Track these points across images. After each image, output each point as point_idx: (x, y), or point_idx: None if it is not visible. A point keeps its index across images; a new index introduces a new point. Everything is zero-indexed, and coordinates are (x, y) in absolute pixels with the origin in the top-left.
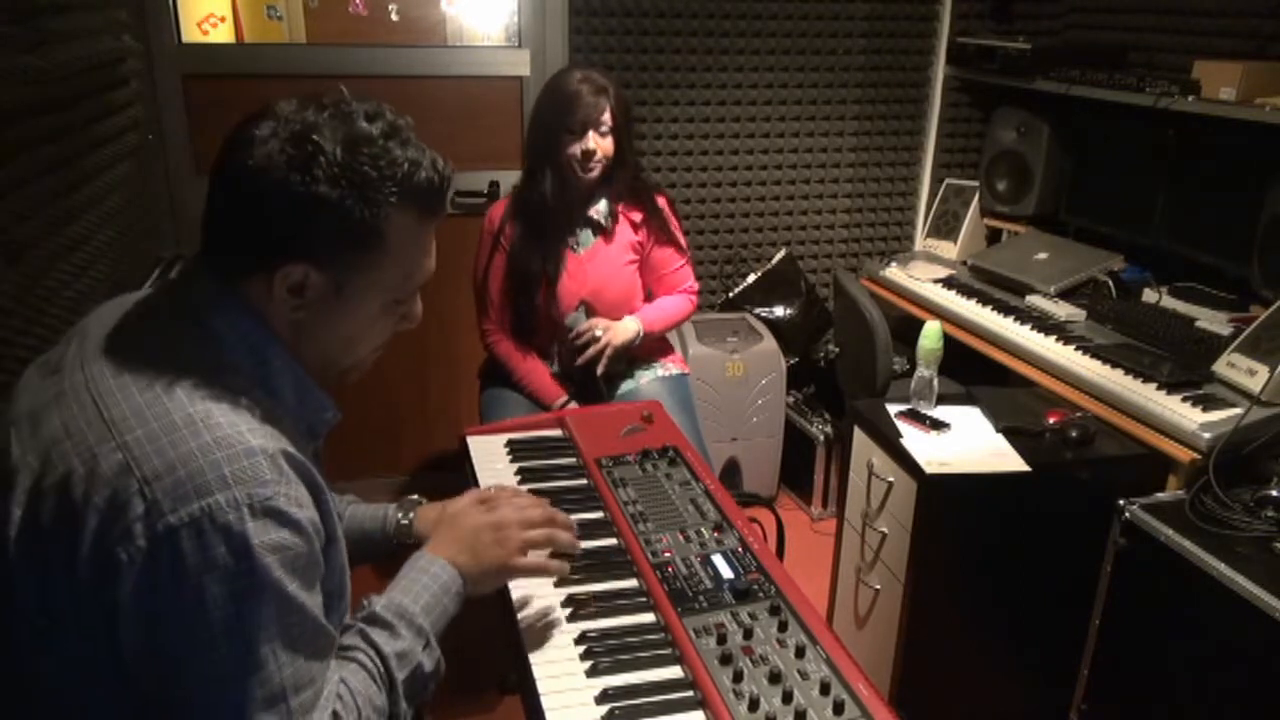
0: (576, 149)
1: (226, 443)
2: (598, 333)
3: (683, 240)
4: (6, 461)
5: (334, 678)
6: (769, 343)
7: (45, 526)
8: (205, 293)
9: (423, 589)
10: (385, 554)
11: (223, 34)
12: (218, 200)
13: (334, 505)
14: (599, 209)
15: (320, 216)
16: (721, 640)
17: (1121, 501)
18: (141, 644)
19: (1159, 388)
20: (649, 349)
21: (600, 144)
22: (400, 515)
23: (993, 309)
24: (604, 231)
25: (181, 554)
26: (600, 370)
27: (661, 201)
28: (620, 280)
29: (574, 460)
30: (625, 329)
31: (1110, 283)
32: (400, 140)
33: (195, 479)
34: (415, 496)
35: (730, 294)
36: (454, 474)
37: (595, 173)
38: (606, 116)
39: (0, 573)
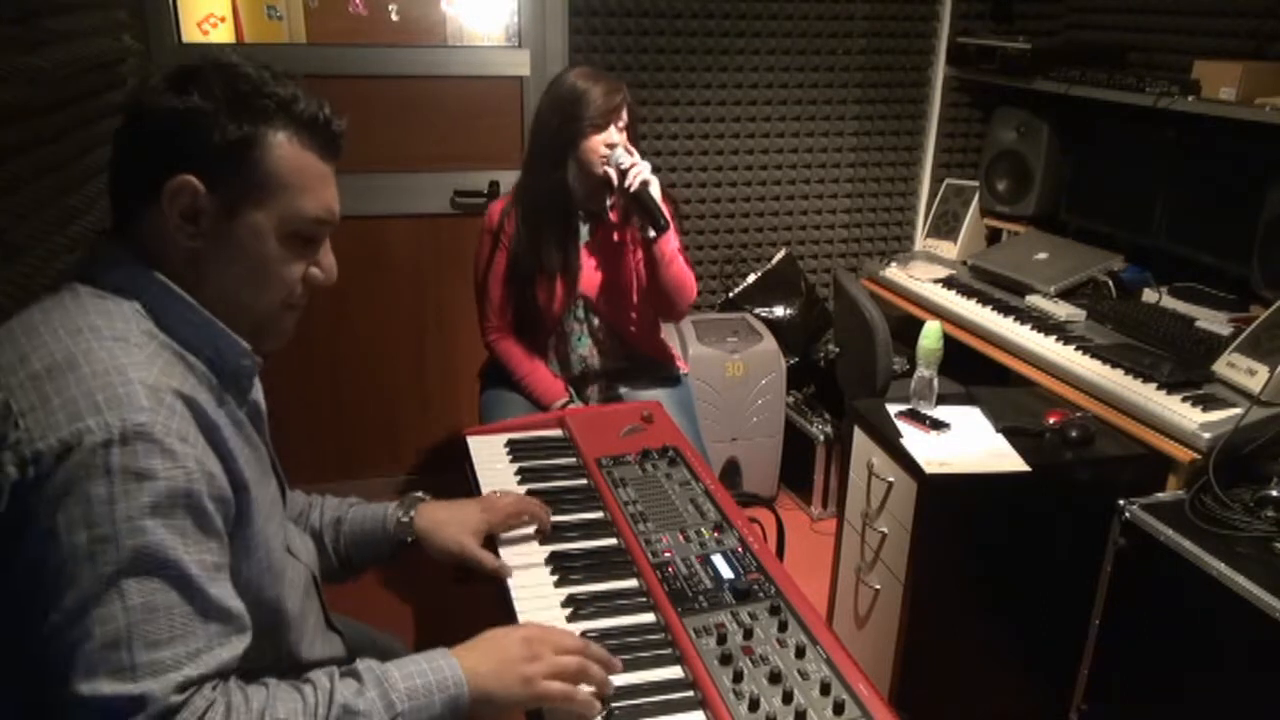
0: (599, 141)
1: (104, 373)
2: (636, 159)
3: (677, 234)
4: None
5: (229, 659)
6: (769, 343)
7: None
8: (98, 250)
9: (417, 672)
10: (387, 554)
11: (223, 34)
12: (115, 146)
13: (248, 471)
14: (610, 171)
15: (196, 125)
16: (721, 640)
17: (1121, 501)
18: (5, 577)
19: (1159, 388)
20: (653, 351)
21: (620, 138)
22: (401, 512)
23: (993, 309)
24: (602, 222)
25: (44, 478)
26: (632, 187)
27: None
28: (621, 269)
29: (574, 460)
30: (655, 180)
31: (1110, 283)
32: (283, 81)
33: (67, 407)
34: (419, 493)
35: (730, 294)
36: (454, 474)
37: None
38: (625, 112)
39: None
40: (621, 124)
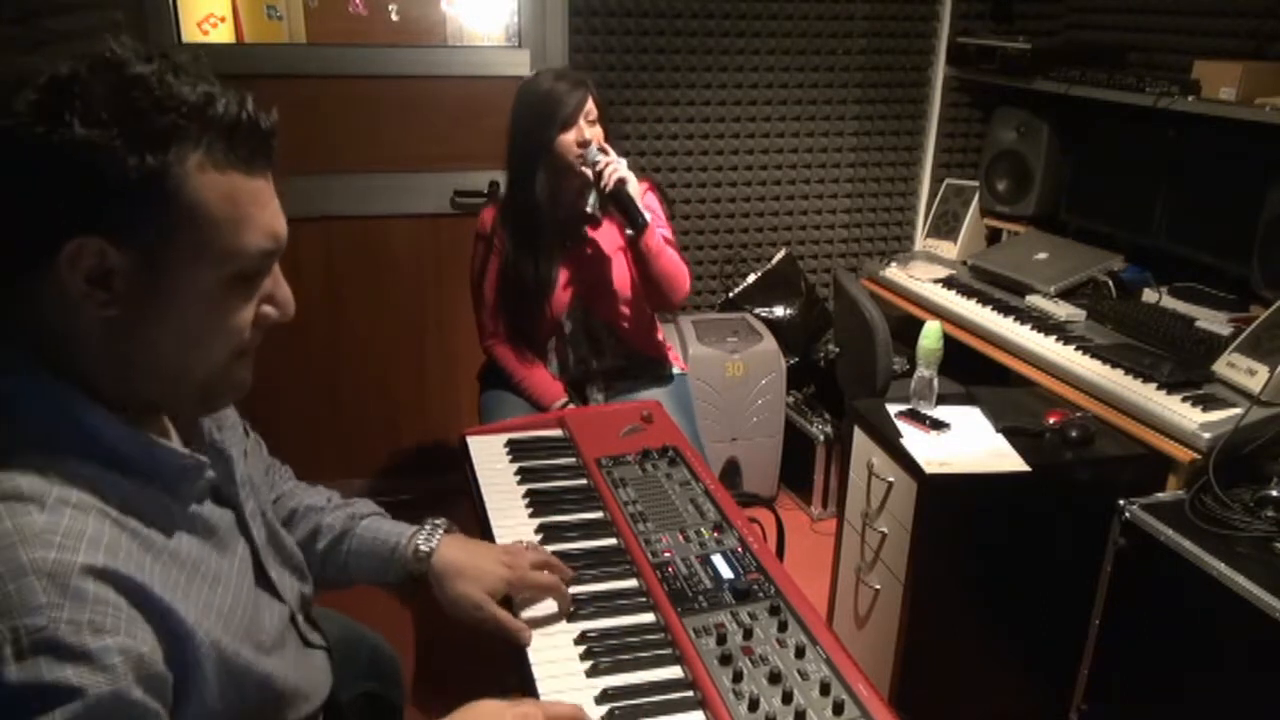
0: (571, 140)
1: None
2: (611, 158)
3: (668, 228)
4: None
5: None
6: (769, 343)
7: None
8: None
9: None
10: (389, 583)
11: (223, 34)
12: None
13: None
14: (590, 202)
15: (87, 168)
16: (721, 640)
17: (1121, 501)
18: None
19: (1159, 388)
20: (651, 350)
21: (591, 132)
22: (421, 540)
23: (993, 309)
24: (594, 222)
25: None
26: (608, 187)
27: (643, 187)
28: (613, 268)
29: (574, 460)
30: (632, 176)
31: (1110, 283)
32: (189, 76)
33: None
34: (440, 521)
35: (730, 294)
36: (454, 474)
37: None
38: (590, 105)
39: None
40: (591, 118)
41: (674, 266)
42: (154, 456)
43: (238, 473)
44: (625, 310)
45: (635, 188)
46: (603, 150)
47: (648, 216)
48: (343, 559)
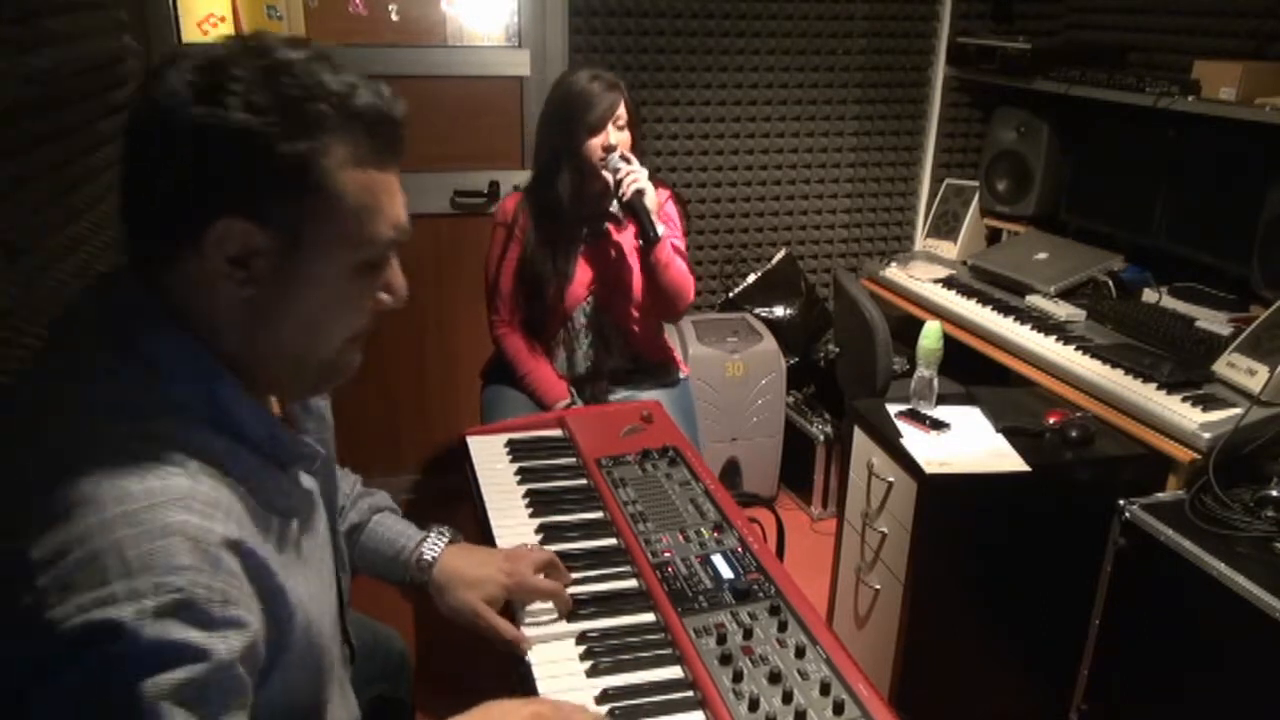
0: (597, 144)
1: (132, 518)
2: (633, 167)
3: (681, 239)
4: None
5: None
6: (769, 343)
7: None
8: (130, 303)
9: None
10: (392, 580)
11: (223, 34)
12: (125, 176)
13: (305, 592)
14: (607, 175)
15: (242, 152)
16: (721, 640)
17: (1121, 501)
18: None
19: (1159, 388)
20: (656, 353)
21: (619, 137)
22: (425, 549)
23: (993, 309)
24: (616, 221)
25: (61, 659)
26: (625, 196)
27: (664, 195)
28: (630, 270)
29: (574, 460)
30: (651, 188)
31: (1110, 283)
32: (331, 65)
33: (91, 564)
34: (444, 529)
35: (730, 294)
36: (454, 474)
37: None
38: (622, 110)
39: None
40: (620, 123)
41: (681, 279)
42: (276, 438)
43: (330, 455)
44: (635, 313)
45: (652, 200)
46: (625, 159)
47: (661, 230)
48: (356, 550)
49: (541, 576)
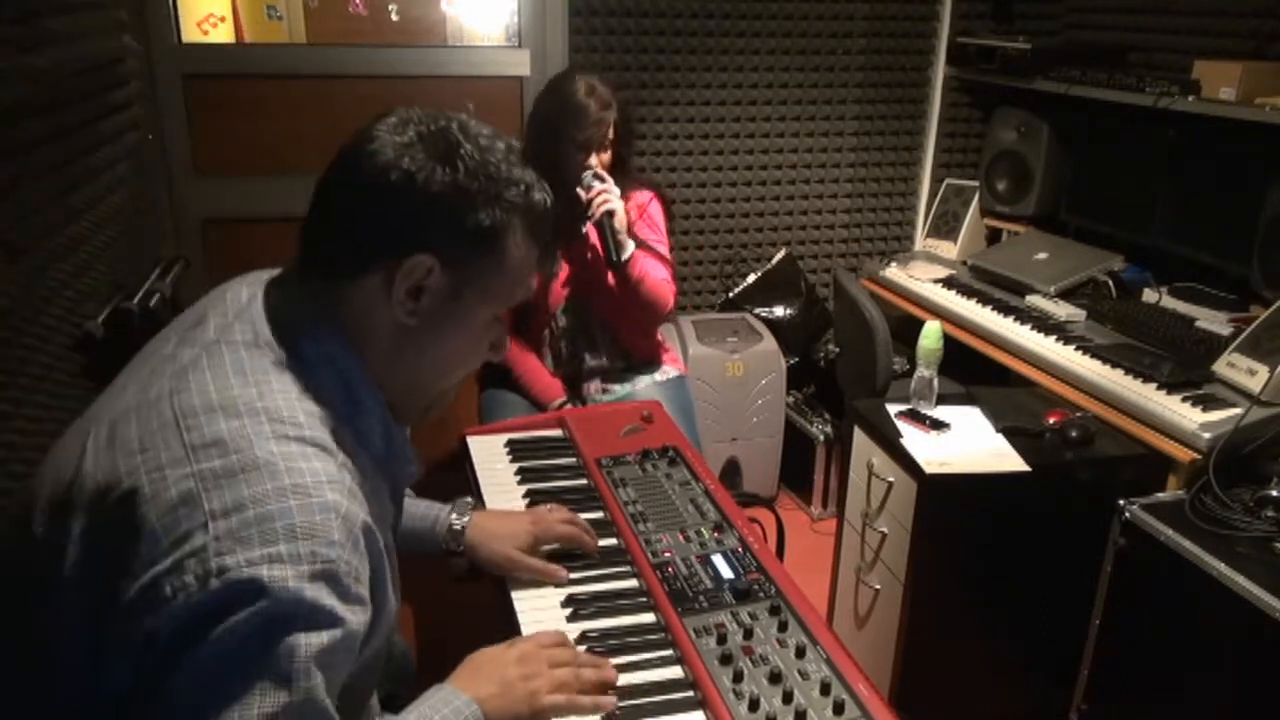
0: (582, 160)
1: (302, 490)
2: (605, 186)
3: (664, 242)
4: (77, 470)
5: None
6: (769, 343)
7: (103, 544)
8: (301, 311)
9: (438, 716)
10: (430, 555)
11: (223, 34)
12: (338, 200)
13: (391, 592)
14: (580, 191)
15: (456, 208)
16: (721, 640)
17: (1121, 501)
18: (155, 684)
19: (1159, 388)
20: (645, 352)
21: (601, 159)
22: (455, 518)
23: (993, 309)
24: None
25: (227, 601)
26: (594, 216)
27: (647, 197)
28: (604, 268)
29: (574, 460)
30: (621, 208)
31: (1110, 283)
32: (520, 158)
33: (262, 524)
34: (469, 500)
35: (730, 294)
36: (454, 474)
37: None
38: (609, 131)
39: (55, 590)
40: (606, 141)
41: (655, 291)
42: (393, 449)
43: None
44: (617, 311)
45: (621, 221)
46: (599, 177)
47: (628, 251)
48: None
49: (565, 525)
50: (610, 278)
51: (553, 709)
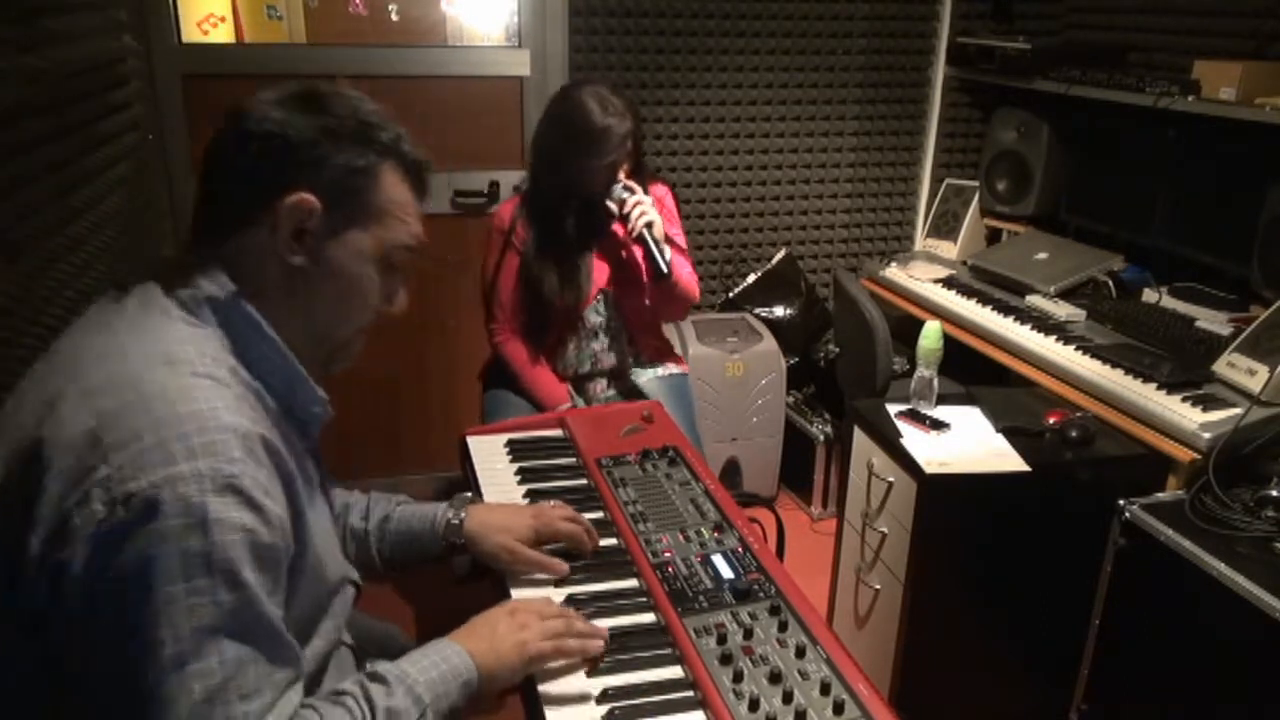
0: (605, 180)
1: (198, 416)
2: (639, 197)
3: (682, 234)
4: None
5: (297, 703)
6: (769, 343)
7: (13, 491)
8: (189, 273)
9: (430, 665)
10: (434, 555)
11: (223, 34)
12: (214, 164)
13: (311, 520)
14: (611, 205)
15: (326, 146)
16: (721, 640)
17: (1121, 501)
18: (81, 616)
19: (1159, 388)
20: (652, 350)
21: (625, 169)
22: (451, 514)
23: (993, 309)
24: (616, 219)
25: (135, 522)
26: (634, 230)
27: (662, 190)
28: (632, 267)
29: (574, 460)
30: (659, 219)
31: (1110, 283)
32: (390, 119)
33: (161, 448)
34: (468, 495)
35: (730, 294)
36: (454, 474)
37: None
38: (629, 146)
39: None
40: (627, 156)
41: (689, 289)
42: (294, 390)
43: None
44: (640, 308)
45: (660, 231)
46: (629, 189)
47: (668, 256)
48: (391, 538)
49: (567, 523)
50: (645, 275)
51: (540, 656)
